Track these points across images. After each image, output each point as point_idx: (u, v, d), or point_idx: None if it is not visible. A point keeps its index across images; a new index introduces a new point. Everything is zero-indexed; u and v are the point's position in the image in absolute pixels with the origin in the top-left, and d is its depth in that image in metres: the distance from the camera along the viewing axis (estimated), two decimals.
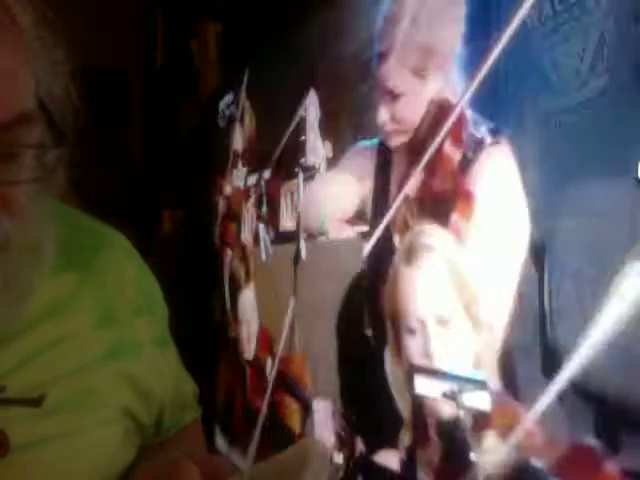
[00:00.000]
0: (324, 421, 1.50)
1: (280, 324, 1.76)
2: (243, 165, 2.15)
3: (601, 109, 0.92)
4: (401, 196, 1.29)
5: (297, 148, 1.68)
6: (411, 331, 1.20)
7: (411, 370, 1.22)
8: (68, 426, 0.72)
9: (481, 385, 1.07)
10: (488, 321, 1.08)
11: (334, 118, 1.57)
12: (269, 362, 1.82)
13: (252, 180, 2.02)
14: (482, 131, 1.12)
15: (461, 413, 1.09)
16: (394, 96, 1.28)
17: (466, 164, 1.14)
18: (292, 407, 1.68)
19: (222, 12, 2.38)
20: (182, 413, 0.90)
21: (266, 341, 1.87)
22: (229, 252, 2.21)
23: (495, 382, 1.07)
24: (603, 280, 0.90)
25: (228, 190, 2.23)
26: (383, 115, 1.31)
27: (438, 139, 1.19)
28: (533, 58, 1.04)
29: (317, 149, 1.61)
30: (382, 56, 1.32)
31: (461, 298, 1.11)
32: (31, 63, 0.65)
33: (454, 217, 1.15)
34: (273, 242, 1.89)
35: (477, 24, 1.14)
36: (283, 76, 1.81)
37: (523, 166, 1.05)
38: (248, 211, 2.05)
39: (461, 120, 1.15)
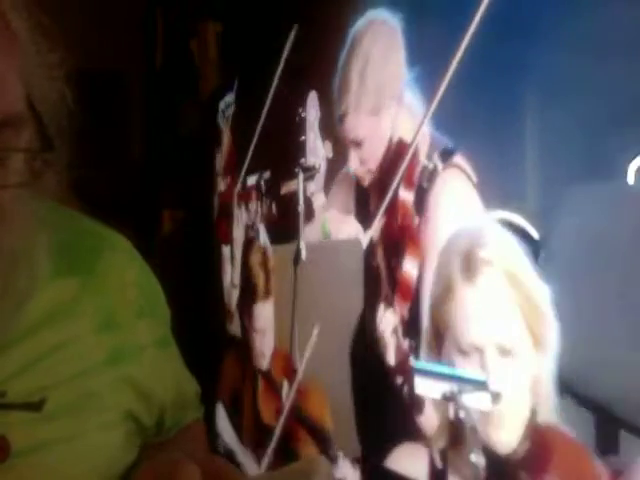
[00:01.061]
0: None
1: (286, 335, 1.75)
2: (225, 175, 2.22)
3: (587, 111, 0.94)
4: (367, 238, 1.41)
5: (296, 148, 1.68)
6: (463, 352, 1.13)
7: (411, 371, 1.21)
8: (69, 430, 0.72)
9: (481, 386, 1.07)
10: (549, 339, 1.02)
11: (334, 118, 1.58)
12: (285, 385, 1.80)
13: (252, 180, 2.02)
14: (435, 159, 1.21)
15: (462, 413, 1.07)
16: (358, 143, 1.44)
17: (422, 196, 1.24)
18: (309, 445, 1.66)
19: (222, 12, 2.38)
20: (183, 413, 0.89)
21: (282, 359, 1.85)
22: (224, 248, 2.21)
23: (548, 408, 1.02)
24: (600, 280, 0.90)
25: (222, 187, 2.24)
26: (353, 162, 1.46)
27: (394, 184, 1.31)
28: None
29: (317, 149, 1.61)
30: (342, 117, 1.48)
31: (524, 314, 1.04)
32: (24, 68, 0.65)
33: (407, 260, 1.24)
34: (273, 242, 1.89)
35: (419, 49, 1.26)
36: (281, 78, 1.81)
37: (505, 168, 1.07)
38: (240, 207, 2.06)
39: (413, 160, 1.27)
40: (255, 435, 1.96)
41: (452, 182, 1.18)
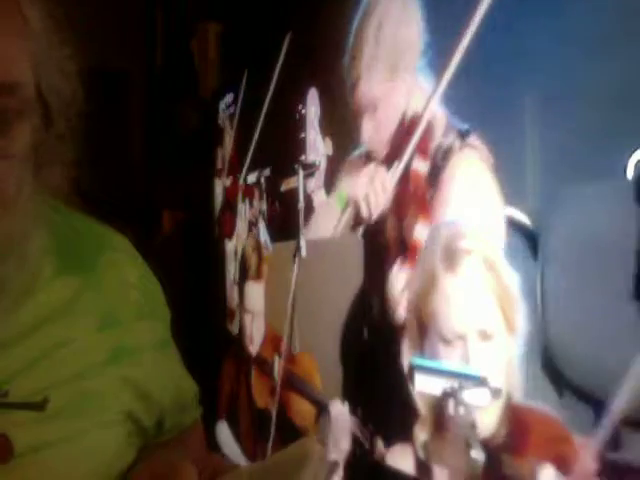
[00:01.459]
0: (340, 422, 1.49)
1: (283, 322, 1.76)
2: (227, 176, 2.22)
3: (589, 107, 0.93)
4: (378, 209, 1.37)
5: (297, 145, 1.68)
6: (447, 342, 1.16)
7: (411, 367, 1.22)
8: (71, 430, 0.72)
9: (481, 382, 1.07)
10: (520, 326, 1.05)
11: (335, 116, 1.58)
12: (276, 361, 1.82)
13: (252, 178, 2.03)
14: (451, 138, 1.17)
15: (461, 409, 1.08)
16: (372, 108, 1.38)
17: (436, 173, 1.19)
18: (302, 406, 1.68)
19: (222, 12, 2.38)
20: (182, 414, 0.89)
21: (273, 340, 1.87)
22: (228, 242, 2.22)
23: (517, 391, 1.05)
24: (596, 278, 0.90)
25: (227, 183, 2.25)
26: (366, 132, 1.40)
27: (407, 154, 1.27)
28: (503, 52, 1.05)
29: (317, 146, 1.61)
30: (354, 84, 1.44)
31: (498, 299, 1.08)
32: (35, 57, 0.66)
33: (418, 227, 1.22)
34: (273, 240, 1.90)
35: (436, 26, 1.21)
36: (281, 75, 1.82)
37: (505, 164, 1.06)
38: (244, 202, 2.06)
39: (428, 132, 1.23)
40: (252, 425, 1.97)
41: (468, 162, 1.14)
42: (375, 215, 1.40)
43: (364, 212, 1.43)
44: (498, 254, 1.08)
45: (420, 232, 1.23)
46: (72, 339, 0.74)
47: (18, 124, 0.64)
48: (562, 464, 0.95)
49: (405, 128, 1.30)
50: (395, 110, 1.33)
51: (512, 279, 1.05)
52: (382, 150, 1.38)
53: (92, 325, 0.76)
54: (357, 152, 1.48)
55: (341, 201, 1.53)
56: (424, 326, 1.22)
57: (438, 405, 1.18)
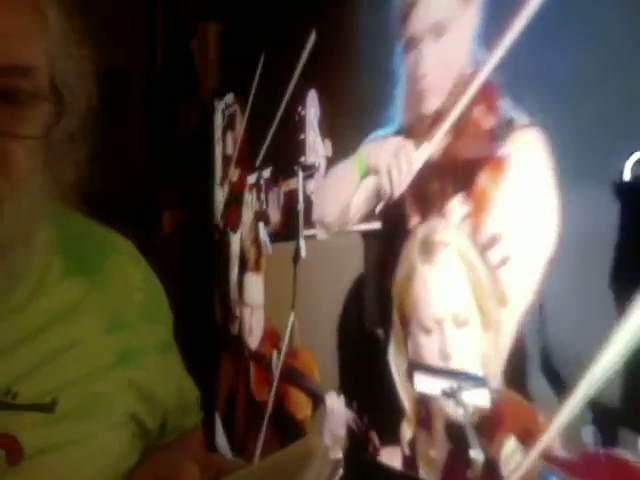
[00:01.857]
0: (336, 413, 1.50)
1: (283, 321, 1.77)
2: (235, 168, 2.19)
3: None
4: (421, 160, 1.25)
5: (296, 147, 1.69)
6: (427, 330, 1.20)
7: (410, 367, 1.23)
8: (78, 432, 0.72)
9: (480, 382, 1.08)
10: (498, 319, 1.07)
11: (334, 117, 1.58)
12: (275, 356, 1.82)
13: (252, 179, 2.03)
14: (514, 111, 1.06)
15: (460, 410, 1.09)
16: (437, 31, 1.17)
17: (496, 139, 1.09)
18: (300, 398, 1.68)
19: (222, 12, 2.38)
20: (184, 417, 0.89)
21: (271, 337, 1.88)
22: (232, 235, 2.22)
23: (498, 381, 1.07)
24: (597, 281, 0.91)
25: (234, 177, 2.25)
26: (428, 56, 1.20)
27: (466, 101, 1.12)
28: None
29: (317, 148, 1.61)
30: (406, 14, 1.25)
31: (474, 293, 1.11)
32: (49, 48, 0.66)
33: (481, 179, 1.10)
34: (273, 240, 1.90)
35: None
36: (281, 76, 1.81)
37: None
38: (251, 193, 2.06)
39: (492, 89, 1.09)
40: (250, 420, 1.97)
41: (530, 143, 1.02)
42: (397, 193, 1.31)
43: (385, 188, 1.33)
44: (474, 252, 1.11)
45: (485, 180, 1.10)
46: (80, 341, 0.74)
47: (30, 106, 0.64)
48: (526, 439, 0.99)
49: (469, 73, 1.12)
50: (467, 35, 1.12)
51: (489, 277, 1.08)
52: (442, 85, 1.18)
53: (100, 327, 0.76)
54: (381, 132, 1.39)
55: (361, 167, 1.41)
56: (406, 318, 1.25)
57: (422, 402, 1.20)
